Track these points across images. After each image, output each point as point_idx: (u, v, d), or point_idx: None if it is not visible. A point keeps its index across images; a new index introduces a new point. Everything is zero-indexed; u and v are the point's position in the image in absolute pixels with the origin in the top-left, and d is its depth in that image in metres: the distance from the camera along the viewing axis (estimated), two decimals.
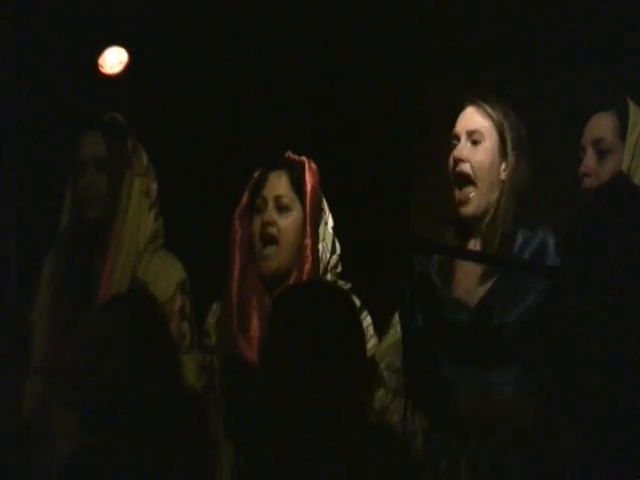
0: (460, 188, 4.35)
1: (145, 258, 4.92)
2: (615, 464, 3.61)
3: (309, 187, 4.69)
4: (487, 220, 4.37)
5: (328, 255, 4.76)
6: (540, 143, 4.69)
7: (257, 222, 4.64)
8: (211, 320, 4.81)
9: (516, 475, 4.21)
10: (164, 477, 4.08)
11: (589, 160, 4.57)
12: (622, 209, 3.79)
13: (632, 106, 4.64)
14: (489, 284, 4.41)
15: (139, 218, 4.96)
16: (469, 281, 4.46)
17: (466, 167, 4.36)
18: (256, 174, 4.70)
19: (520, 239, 4.37)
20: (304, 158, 4.73)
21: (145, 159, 4.93)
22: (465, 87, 5.27)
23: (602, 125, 4.68)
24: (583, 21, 6.08)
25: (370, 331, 4.47)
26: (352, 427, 3.84)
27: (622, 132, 4.68)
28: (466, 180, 4.35)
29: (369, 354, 4.34)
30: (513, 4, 6.38)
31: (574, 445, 3.68)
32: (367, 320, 4.48)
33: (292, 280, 4.65)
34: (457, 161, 4.36)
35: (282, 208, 4.67)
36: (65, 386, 4.71)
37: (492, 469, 4.35)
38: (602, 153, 4.62)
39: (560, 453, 3.73)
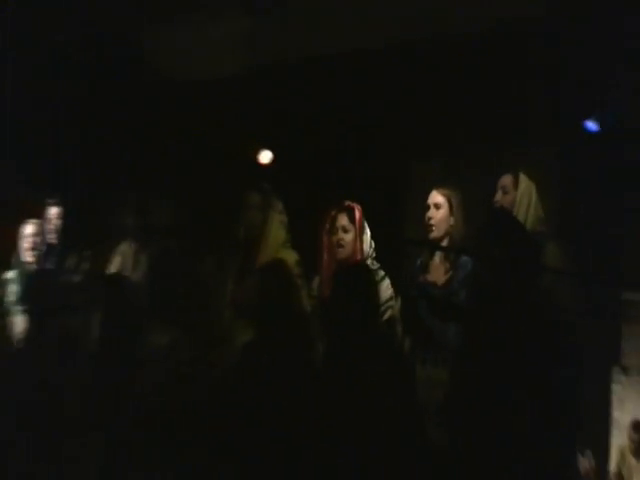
0: (428, 228, 5.21)
1: (279, 252, 5.45)
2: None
3: (357, 219, 5.37)
4: (445, 243, 5.19)
5: (368, 249, 5.38)
6: (472, 195, 5.33)
7: (333, 239, 5.40)
8: (315, 283, 5.47)
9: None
10: (290, 354, 4.66)
11: (498, 195, 5.34)
12: (501, 226, 4.39)
13: (522, 175, 5.31)
14: (448, 275, 5.08)
15: (277, 234, 5.57)
16: (437, 273, 5.15)
17: (432, 222, 5.20)
18: (332, 213, 5.45)
19: (463, 257, 5.03)
20: (355, 204, 5.44)
21: (280, 205, 5.62)
22: (432, 178, 5.84)
23: (506, 180, 5.35)
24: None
25: (389, 287, 5.17)
26: (374, 332, 4.56)
27: (515, 184, 5.29)
28: (431, 228, 5.20)
29: (387, 298, 5.14)
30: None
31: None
32: (387, 282, 5.18)
33: (352, 262, 5.32)
34: (427, 219, 5.22)
35: (345, 231, 5.37)
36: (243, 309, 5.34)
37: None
38: (504, 192, 5.32)
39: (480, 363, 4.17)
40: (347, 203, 5.51)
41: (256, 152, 6.15)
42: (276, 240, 5.62)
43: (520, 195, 5.31)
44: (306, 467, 4.42)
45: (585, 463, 6.27)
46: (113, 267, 6.34)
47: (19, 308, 6.38)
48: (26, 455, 5.24)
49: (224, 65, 6.99)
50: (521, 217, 5.17)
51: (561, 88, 6.47)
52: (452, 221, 5.20)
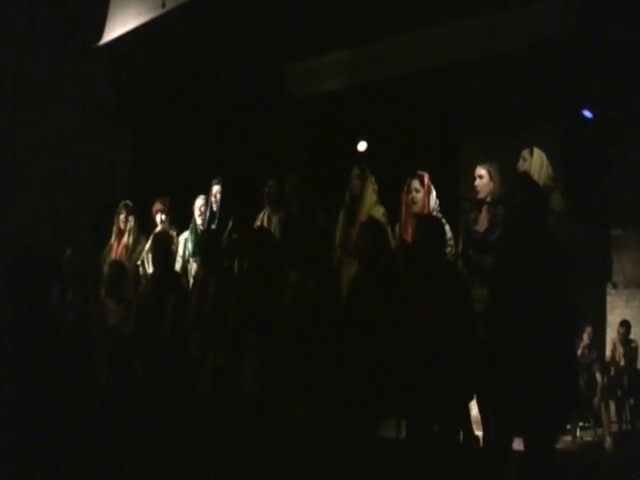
0: (475, 193, 5.45)
1: (372, 209, 5.85)
2: None
3: (426, 182, 5.72)
4: (487, 200, 5.38)
5: (434, 205, 5.72)
6: (505, 165, 5.57)
7: (409, 197, 5.75)
8: (397, 229, 5.80)
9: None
10: (382, 277, 4.94)
11: (520, 163, 5.47)
12: (523, 189, 4.33)
13: (535, 148, 5.44)
14: (488, 224, 5.29)
15: (370, 196, 5.96)
16: (482, 223, 5.34)
17: (477, 188, 5.44)
18: (409, 179, 5.77)
19: (499, 207, 5.17)
20: (424, 173, 5.75)
21: (373, 177, 6.01)
22: (478, 156, 5.96)
23: (524, 152, 5.48)
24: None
25: (449, 231, 5.37)
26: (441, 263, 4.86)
27: (531, 154, 5.40)
28: (477, 192, 5.44)
29: (448, 238, 5.29)
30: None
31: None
32: (447, 227, 5.36)
33: (423, 214, 5.58)
34: (475, 186, 5.48)
35: (417, 191, 5.71)
36: (349, 250, 5.76)
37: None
38: (524, 160, 5.45)
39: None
40: (419, 172, 5.80)
41: (357, 142, 6.48)
42: (370, 200, 5.95)
43: (534, 161, 5.40)
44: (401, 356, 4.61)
45: (585, 336, 6.88)
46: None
47: (193, 258, 6.88)
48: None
49: (333, 84, 7.57)
50: (536, 175, 5.21)
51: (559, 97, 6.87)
52: (491, 186, 5.43)
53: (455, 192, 6.60)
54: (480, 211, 5.43)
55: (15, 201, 7.80)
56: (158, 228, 7.20)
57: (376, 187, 6.02)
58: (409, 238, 5.64)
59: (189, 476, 5.19)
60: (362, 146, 6.50)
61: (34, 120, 7.90)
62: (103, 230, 7.32)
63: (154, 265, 6.26)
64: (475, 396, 4.83)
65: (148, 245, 7.00)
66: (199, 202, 7.09)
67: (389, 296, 4.85)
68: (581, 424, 7.10)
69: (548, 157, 5.48)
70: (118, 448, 5.58)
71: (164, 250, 6.24)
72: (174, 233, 7.18)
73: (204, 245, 6.12)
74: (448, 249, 5.35)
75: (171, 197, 7.26)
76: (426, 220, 5.23)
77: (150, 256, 6.68)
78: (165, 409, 5.58)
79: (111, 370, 6.20)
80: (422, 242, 4.83)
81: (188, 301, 5.99)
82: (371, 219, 5.56)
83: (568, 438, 6.67)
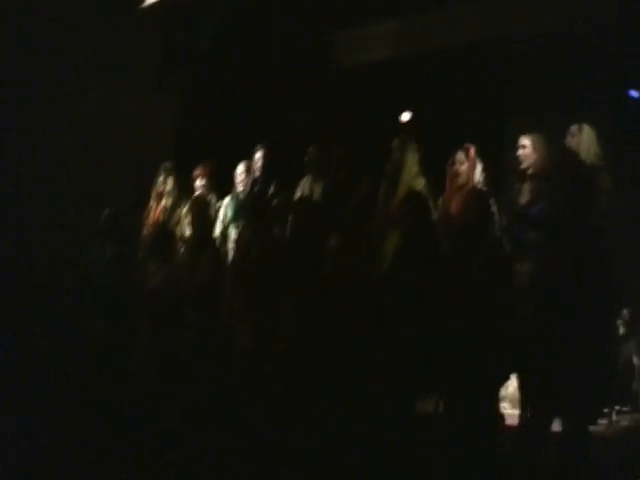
0: (519, 162, 5.33)
1: (414, 179, 5.79)
2: None
3: (471, 155, 5.66)
4: (530, 172, 5.28)
5: (479, 178, 5.65)
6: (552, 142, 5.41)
7: (454, 169, 5.67)
8: (440, 202, 5.70)
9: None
10: (424, 247, 4.87)
11: (568, 139, 5.28)
12: (570, 167, 4.49)
13: (585, 125, 5.25)
14: (529, 197, 5.19)
15: (411, 167, 5.87)
16: (525, 194, 5.24)
17: (521, 157, 5.32)
18: (454, 151, 5.69)
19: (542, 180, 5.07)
20: (470, 145, 5.69)
21: (415, 146, 5.91)
22: (522, 130, 5.65)
23: (573, 128, 5.28)
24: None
25: (494, 203, 5.10)
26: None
27: (580, 131, 5.22)
28: (520, 161, 5.32)
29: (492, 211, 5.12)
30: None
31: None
32: (493, 200, 5.11)
33: (467, 188, 5.50)
34: (518, 155, 5.34)
35: (461, 164, 5.65)
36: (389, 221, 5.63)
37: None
38: (572, 136, 5.24)
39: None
40: (465, 144, 5.75)
41: (402, 113, 6.56)
42: (410, 171, 5.88)
43: (583, 137, 5.28)
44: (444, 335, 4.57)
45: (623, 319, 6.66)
46: (298, 193, 6.57)
47: (233, 223, 6.77)
48: None
49: (379, 54, 7.51)
50: (584, 152, 5.15)
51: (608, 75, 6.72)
52: (535, 156, 5.33)
53: (501, 166, 6.30)
54: (523, 182, 5.36)
55: (61, 163, 7.87)
56: (197, 193, 7.15)
57: (417, 156, 5.96)
58: (453, 211, 5.57)
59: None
60: (406, 116, 6.50)
61: (83, 85, 7.95)
62: (146, 192, 7.31)
63: (191, 228, 6.24)
64: (516, 375, 4.77)
65: (186, 208, 6.96)
66: (240, 169, 7.01)
67: (430, 271, 4.77)
68: (617, 408, 6.81)
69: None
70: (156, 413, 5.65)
71: (201, 214, 6.22)
72: (213, 198, 7.10)
73: (248, 207, 6.09)
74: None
75: (214, 162, 7.17)
76: (472, 193, 5.18)
77: (188, 219, 6.64)
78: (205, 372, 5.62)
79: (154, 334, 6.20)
80: (468, 216, 4.76)
81: (232, 260, 6.03)
82: (413, 192, 5.53)
83: (604, 421, 6.36)
